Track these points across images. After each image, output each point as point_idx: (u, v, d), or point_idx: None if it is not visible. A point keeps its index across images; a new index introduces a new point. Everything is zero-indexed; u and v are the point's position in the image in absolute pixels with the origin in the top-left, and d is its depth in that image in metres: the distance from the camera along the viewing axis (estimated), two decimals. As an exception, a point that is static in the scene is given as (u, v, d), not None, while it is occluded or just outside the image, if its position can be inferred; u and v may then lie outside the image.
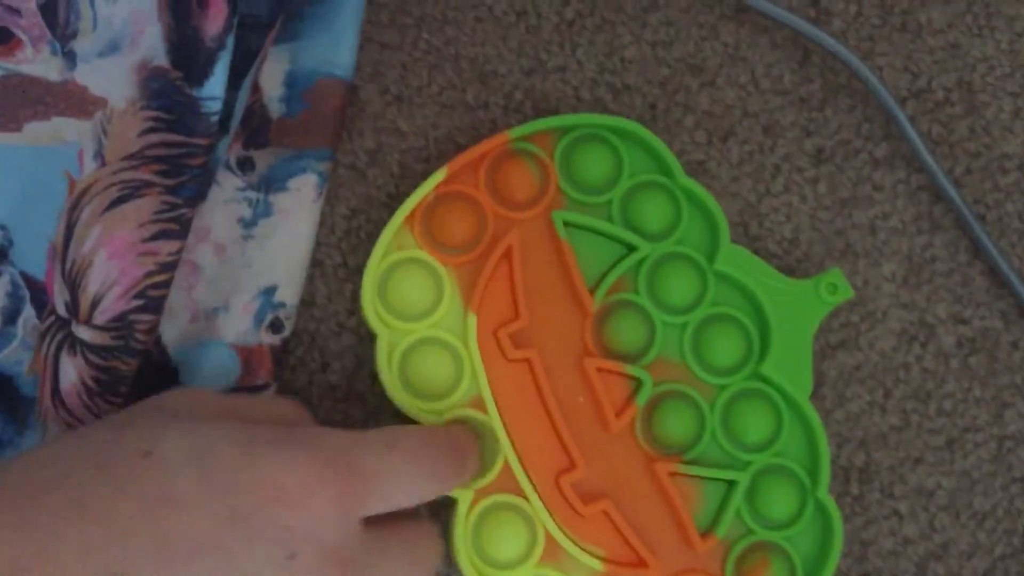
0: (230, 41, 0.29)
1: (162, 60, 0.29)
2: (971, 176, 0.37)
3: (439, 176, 0.33)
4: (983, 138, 0.37)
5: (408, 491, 0.28)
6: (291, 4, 0.34)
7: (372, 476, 0.27)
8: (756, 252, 0.36)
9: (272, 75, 0.34)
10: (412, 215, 0.33)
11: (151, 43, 0.29)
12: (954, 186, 0.36)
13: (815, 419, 0.33)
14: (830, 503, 0.33)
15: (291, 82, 0.34)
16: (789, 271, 0.36)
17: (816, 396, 0.35)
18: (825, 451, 0.33)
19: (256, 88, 0.34)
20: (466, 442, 0.31)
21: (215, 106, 0.29)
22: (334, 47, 0.34)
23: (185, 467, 0.25)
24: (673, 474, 0.33)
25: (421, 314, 0.33)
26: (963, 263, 0.36)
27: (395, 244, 0.33)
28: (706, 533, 0.33)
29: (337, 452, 0.26)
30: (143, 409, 0.28)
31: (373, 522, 0.27)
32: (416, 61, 0.36)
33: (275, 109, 0.34)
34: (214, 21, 0.29)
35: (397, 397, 0.32)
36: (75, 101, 0.29)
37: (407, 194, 0.33)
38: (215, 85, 0.29)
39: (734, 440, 0.34)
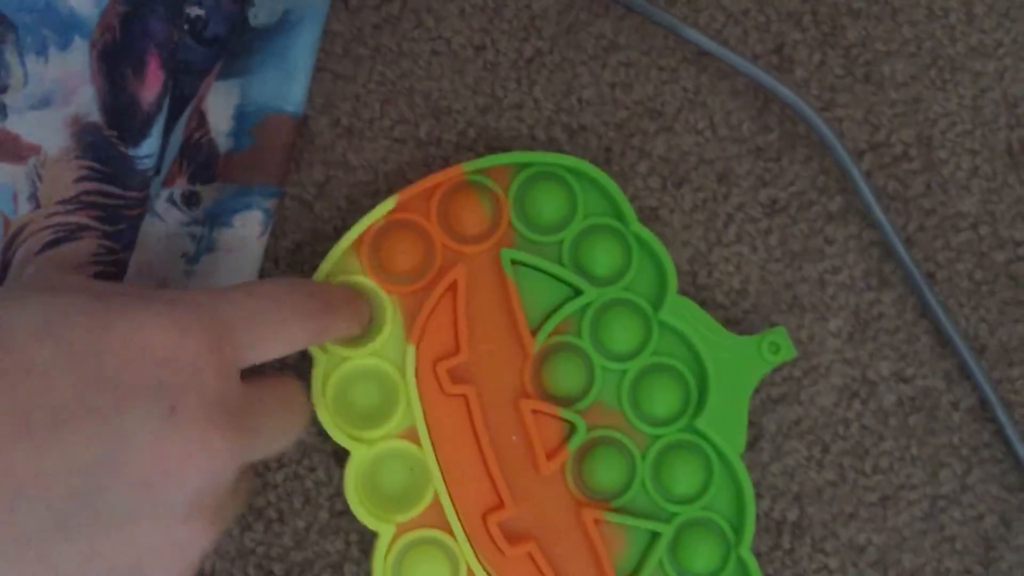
0: (166, 102, 0.29)
1: (96, 118, 0.29)
2: (924, 233, 0.37)
3: (390, 203, 0.33)
4: (939, 195, 0.37)
5: (278, 336, 0.27)
6: (243, 37, 0.33)
7: (238, 322, 0.26)
8: (704, 302, 0.36)
9: (221, 109, 0.33)
10: (360, 240, 0.33)
11: (84, 101, 0.29)
12: (905, 243, 0.36)
13: (744, 476, 0.34)
14: (751, 561, 0.33)
15: (240, 116, 0.34)
16: (735, 323, 0.36)
17: (754, 449, 0.36)
18: (751, 508, 0.33)
19: (204, 122, 0.33)
20: (341, 293, 0.30)
21: (150, 162, 0.29)
22: (286, 82, 0.34)
23: (37, 338, 0.24)
24: (599, 521, 0.33)
25: (362, 340, 0.33)
26: (909, 321, 0.36)
27: (340, 268, 0.33)
28: None
29: (196, 304, 0.25)
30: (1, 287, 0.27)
31: (245, 378, 0.26)
32: (369, 93, 0.36)
33: (223, 143, 0.34)
34: (151, 88, 0.29)
35: (326, 421, 0.33)
36: (8, 147, 0.29)
37: (354, 230, 0.33)
38: (151, 145, 0.29)
39: (663, 491, 0.34)
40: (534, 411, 0.34)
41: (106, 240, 0.30)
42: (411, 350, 0.33)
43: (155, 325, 0.25)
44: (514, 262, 0.34)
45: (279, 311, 0.27)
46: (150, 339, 0.24)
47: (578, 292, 0.34)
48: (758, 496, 0.35)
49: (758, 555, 0.35)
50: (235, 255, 0.33)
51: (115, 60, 0.29)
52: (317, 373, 0.33)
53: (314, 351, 0.33)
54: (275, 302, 0.27)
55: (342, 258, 0.33)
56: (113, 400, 0.24)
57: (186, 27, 0.30)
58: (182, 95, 0.30)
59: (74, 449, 0.23)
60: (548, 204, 0.34)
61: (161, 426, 0.24)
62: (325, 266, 0.33)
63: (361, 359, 0.33)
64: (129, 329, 0.24)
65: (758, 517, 0.35)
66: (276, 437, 0.27)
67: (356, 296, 0.31)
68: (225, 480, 0.25)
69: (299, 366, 0.34)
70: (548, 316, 0.34)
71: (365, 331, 0.32)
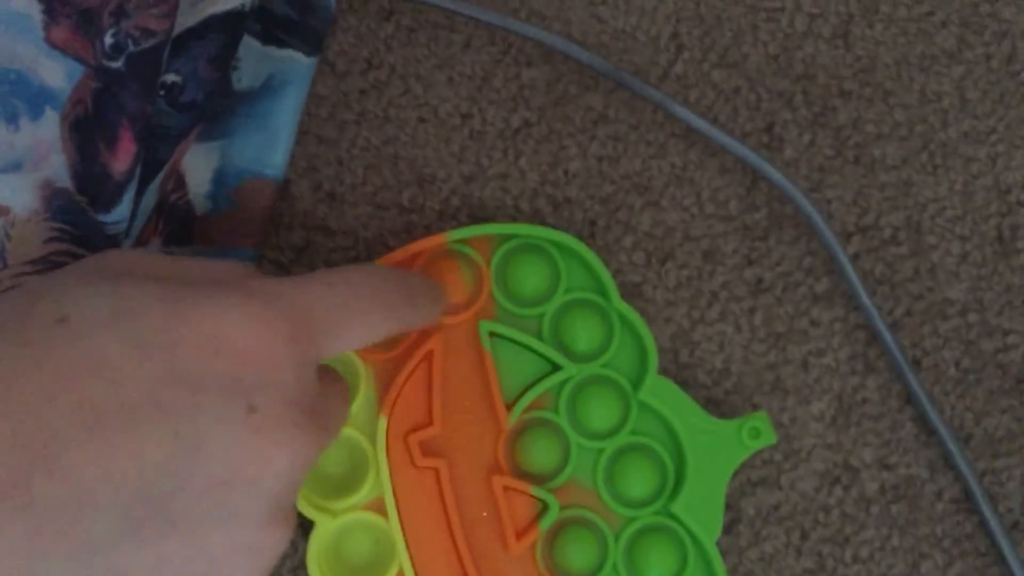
0: (138, 170, 0.29)
1: (66, 184, 0.29)
2: (911, 318, 0.36)
3: None
4: (927, 281, 0.36)
5: (359, 328, 0.25)
6: (225, 100, 0.33)
7: (319, 314, 0.24)
8: (685, 381, 0.35)
9: (200, 171, 0.33)
10: None
11: (55, 168, 0.29)
12: (892, 328, 0.35)
13: (719, 564, 0.33)
14: (727, 655, 0.32)
15: (219, 179, 0.33)
16: (717, 403, 0.35)
17: (731, 533, 0.35)
18: (727, 599, 0.33)
19: (182, 183, 0.33)
20: (420, 281, 0.29)
21: (121, 227, 0.29)
22: (267, 146, 0.33)
23: (107, 330, 0.22)
24: None
25: None
26: (894, 408, 0.36)
27: None
28: None
29: (276, 295, 0.24)
30: (65, 272, 0.25)
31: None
32: (353, 159, 0.35)
33: (200, 205, 0.33)
34: (123, 160, 0.29)
35: None
36: (-24, 207, 0.28)
37: (328, 304, 0.33)
38: (122, 212, 0.29)
39: (636, 575, 0.33)
40: (506, 488, 0.33)
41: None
42: (383, 421, 0.32)
43: (233, 317, 0.23)
44: (492, 334, 0.34)
45: (359, 301, 0.25)
46: (228, 332, 0.23)
47: (557, 367, 0.34)
48: (734, 584, 0.34)
49: (732, 645, 0.34)
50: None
51: (87, 132, 0.29)
52: None
53: None
54: (355, 292, 0.25)
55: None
56: (188, 397, 0.22)
57: (162, 93, 0.30)
58: (156, 159, 0.30)
59: (145, 450, 0.21)
60: (530, 277, 0.34)
61: (239, 427, 0.22)
62: None
63: None
64: (205, 321, 0.23)
65: (733, 606, 0.34)
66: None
67: (435, 285, 0.30)
68: (300, 482, 0.24)
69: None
70: (525, 390, 0.34)
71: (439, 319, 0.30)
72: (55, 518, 0.21)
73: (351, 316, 0.25)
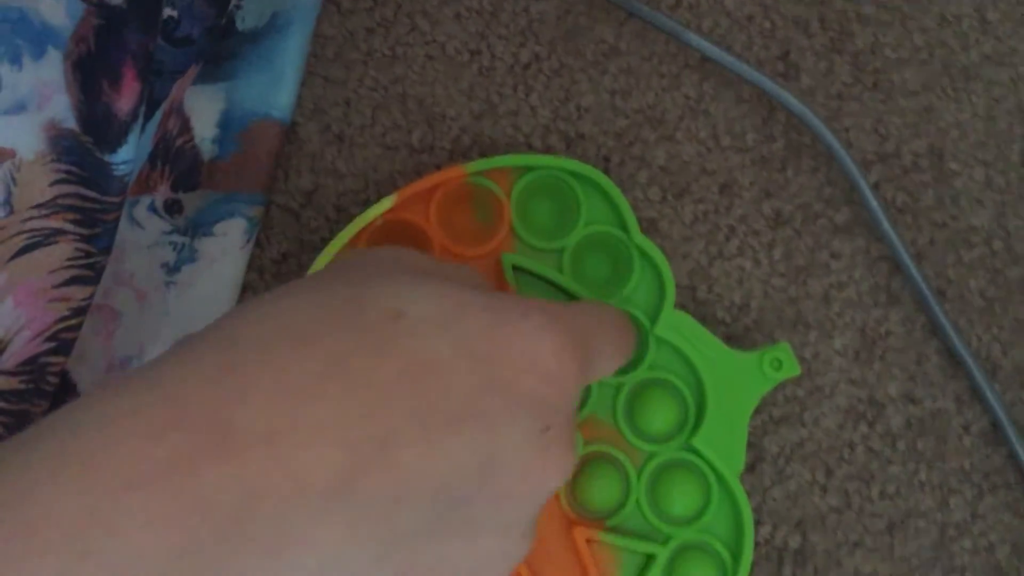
0: (143, 110, 0.28)
1: (71, 124, 0.28)
2: (934, 248, 0.35)
3: (388, 202, 0.32)
4: (950, 208, 0.35)
5: (609, 366, 0.27)
6: (229, 41, 0.32)
7: (596, 351, 0.26)
8: (703, 317, 0.34)
9: (206, 115, 0.32)
10: (356, 240, 0.32)
11: (59, 108, 0.28)
12: (915, 259, 0.34)
13: (743, 499, 0.32)
14: (752, 589, 0.32)
15: (225, 123, 0.33)
16: (736, 339, 0.35)
17: (755, 471, 0.34)
18: (750, 533, 0.32)
19: (187, 128, 0.32)
20: (631, 322, 0.30)
21: (127, 168, 0.28)
22: (273, 87, 0.33)
23: (439, 331, 0.23)
24: (591, 541, 0.32)
25: None
26: (918, 340, 0.35)
27: None
28: None
29: (571, 325, 0.25)
30: (363, 263, 0.25)
31: None
32: (361, 99, 0.35)
33: (207, 150, 0.33)
34: (127, 98, 0.28)
35: None
36: (-20, 151, 0.28)
37: (340, 243, 0.32)
38: (127, 151, 0.28)
39: (659, 511, 0.33)
40: None
41: (83, 244, 0.29)
42: None
43: (546, 338, 0.24)
44: (515, 268, 0.33)
45: (618, 344, 0.27)
46: (540, 352, 0.24)
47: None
48: (758, 522, 0.34)
49: (758, 582, 0.33)
50: (217, 266, 0.32)
51: (90, 71, 0.28)
52: None
53: None
54: (616, 333, 0.27)
55: (336, 257, 0.32)
56: (503, 408, 0.23)
57: None
58: (152, 97, 0.29)
59: (460, 453, 0.22)
60: (550, 209, 0.33)
61: (534, 444, 0.23)
62: (319, 264, 0.32)
63: None
64: (523, 338, 0.24)
65: (758, 544, 0.34)
66: None
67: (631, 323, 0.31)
68: None
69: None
70: None
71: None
72: (374, 511, 0.21)
73: (609, 357, 0.27)
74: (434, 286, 0.24)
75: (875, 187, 0.35)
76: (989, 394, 0.34)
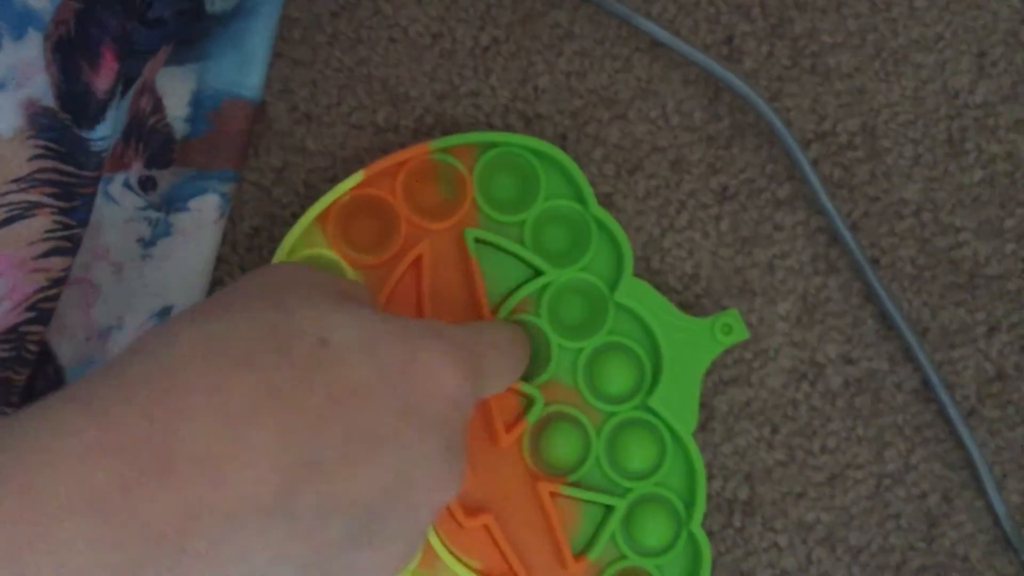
0: (120, 88, 0.29)
1: (50, 103, 0.29)
2: (869, 220, 0.38)
3: (356, 178, 0.34)
4: (882, 183, 0.38)
5: (500, 384, 0.30)
6: (200, 23, 0.33)
7: (489, 372, 0.28)
8: (657, 286, 0.36)
9: (178, 94, 0.33)
10: (325, 215, 0.33)
11: (38, 87, 0.29)
12: (851, 230, 0.37)
13: (696, 454, 0.34)
14: (702, 536, 0.34)
15: (197, 102, 0.34)
16: (688, 306, 0.37)
17: (705, 429, 0.36)
18: (702, 485, 0.34)
19: (160, 107, 0.33)
20: (527, 338, 0.33)
21: (104, 144, 0.29)
22: (243, 67, 0.34)
23: (361, 358, 0.25)
24: (554, 494, 0.34)
25: None
26: (855, 305, 0.37)
27: (304, 241, 0.33)
28: (580, 555, 0.34)
29: (468, 350, 0.27)
30: (279, 284, 0.26)
31: None
32: (327, 79, 0.36)
33: (180, 129, 0.34)
34: (105, 78, 0.29)
35: None
36: (-40, 128, 0.29)
37: (310, 218, 0.33)
38: (105, 128, 0.29)
39: (617, 467, 0.35)
40: None
41: (61, 216, 0.30)
42: None
43: (449, 363, 0.26)
44: (477, 240, 0.35)
45: (507, 364, 0.30)
46: (446, 377, 0.26)
47: (538, 272, 0.35)
48: (710, 476, 0.36)
49: (710, 533, 0.36)
50: (191, 240, 0.34)
51: (69, 52, 0.29)
52: None
53: None
54: (506, 355, 0.30)
55: (306, 232, 0.33)
56: (417, 431, 0.25)
57: None
58: (125, 77, 0.30)
59: (381, 473, 0.24)
60: (512, 184, 0.35)
61: (440, 461, 0.26)
62: (289, 239, 0.33)
63: None
64: (431, 364, 0.26)
65: (709, 496, 0.36)
66: None
67: (528, 341, 0.33)
68: None
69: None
70: (509, 294, 0.35)
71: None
72: (304, 527, 0.23)
73: (499, 377, 0.30)
74: (351, 314, 0.26)
75: (814, 163, 0.38)
76: (920, 354, 0.37)
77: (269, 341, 0.24)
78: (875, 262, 0.38)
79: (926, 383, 0.37)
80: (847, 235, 0.37)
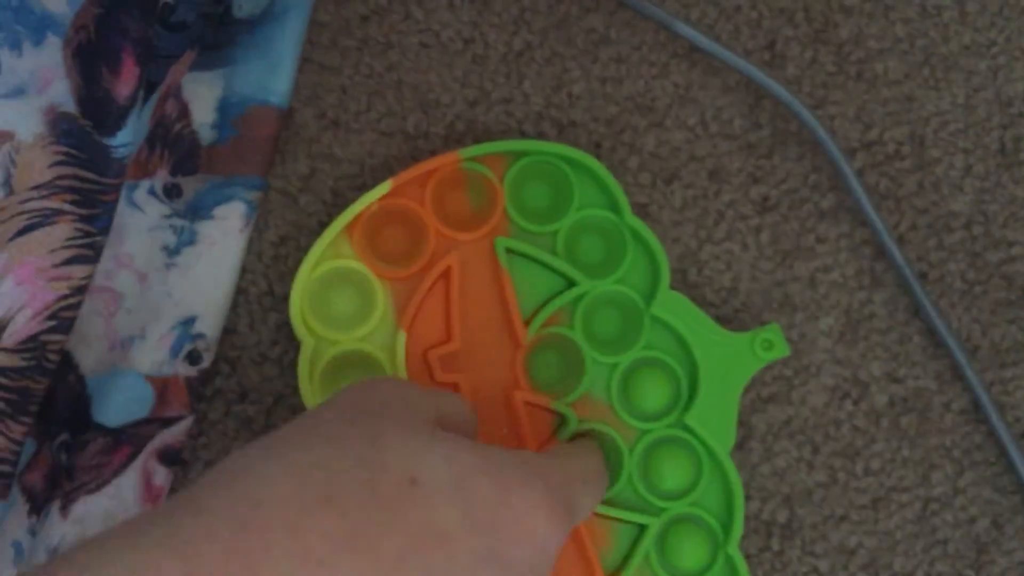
0: (141, 94, 0.29)
1: (71, 108, 0.29)
2: (916, 232, 0.36)
3: (384, 188, 0.33)
4: (931, 194, 0.36)
5: (586, 515, 0.29)
6: (227, 29, 0.33)
7: (580, 507, 0.28)
8: (693, 300, 0.35)
9: (204, 100, 0.33)
10: (353, 225, 0.33)
11: (59, 93, 0.29)
12: (898, 243, 0.35)
13: (734, 473, 0.33)
14: (739, 559, 0.33)
15: (223, 108, 0.33)
16: (726, 321, 0.35)
17: (743, 449, 0.35)
18: (740, 505, 0.33)
19: (186, 113, 0.33)
20: (603, 455, 0.32)
21: (126, 151, 0.29)
22: (270, 73, 0.33)
23: (449, 499, 0.24)
24: None
25: (350, 326, 0.32)
26: (901, 322, 0.36)
27: (331, 252, 0.33)
28: (612, 575, 0.33)
29: (562, 492, 0.27)
30: (374, 411, 0.26)
31: None
32: (356, 85, 0.35)
33: (206, 135, 0.33)
34: (126, 83, 0.28)
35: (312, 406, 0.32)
36: (-20, 134, 0.28)
37: (338, 226, 0.33)
38: (126, 135, 0.29)
39: (651, 486, 0.33)
40: (526, 402, 0.33)
41: (82, 224, 0.29)
42: (401, 336, 0.33)
43: (543, 508, 0.25)
44: (509, 251, 0.34)
45: (597, 498, 0.29)
46: (538, 523, 0.25)
47: (571, 283, 0.34)
48: (747, 497, 0.35)
49: (747, 557, 0.34)
50: (216, 248, 0.33)
51: (90, 57, 0.29)
52: (304, 358, 0.32)
53: (302, 335, 0.32)
54: (596, 489, 0.29)
55: (333, 242, 0.33)
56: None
57: None
58: (148, 81, 0.30)
59: None
60: (544, 193, 0.34)
61: None
62: (316, 249, 0.32)
63: (350, 345, 0.32)
64: (521, 508, 0.25)
65: (747, 518, 0.35)
66: None
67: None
68: None
69: (288, 352, 0.34)
70: (541, 306, 0.34)
71: None
72: None
73: (595, 500, 0.29)
74: (445, 449, 0.25)
75: (859, 173, 0.36)
76: (969, 373, 0.35)
77: (356, 476, 0.24)
78: (923, 276, 0.36)
79: (976, 403, 0.36)
80: (893, 248, 0.35)
